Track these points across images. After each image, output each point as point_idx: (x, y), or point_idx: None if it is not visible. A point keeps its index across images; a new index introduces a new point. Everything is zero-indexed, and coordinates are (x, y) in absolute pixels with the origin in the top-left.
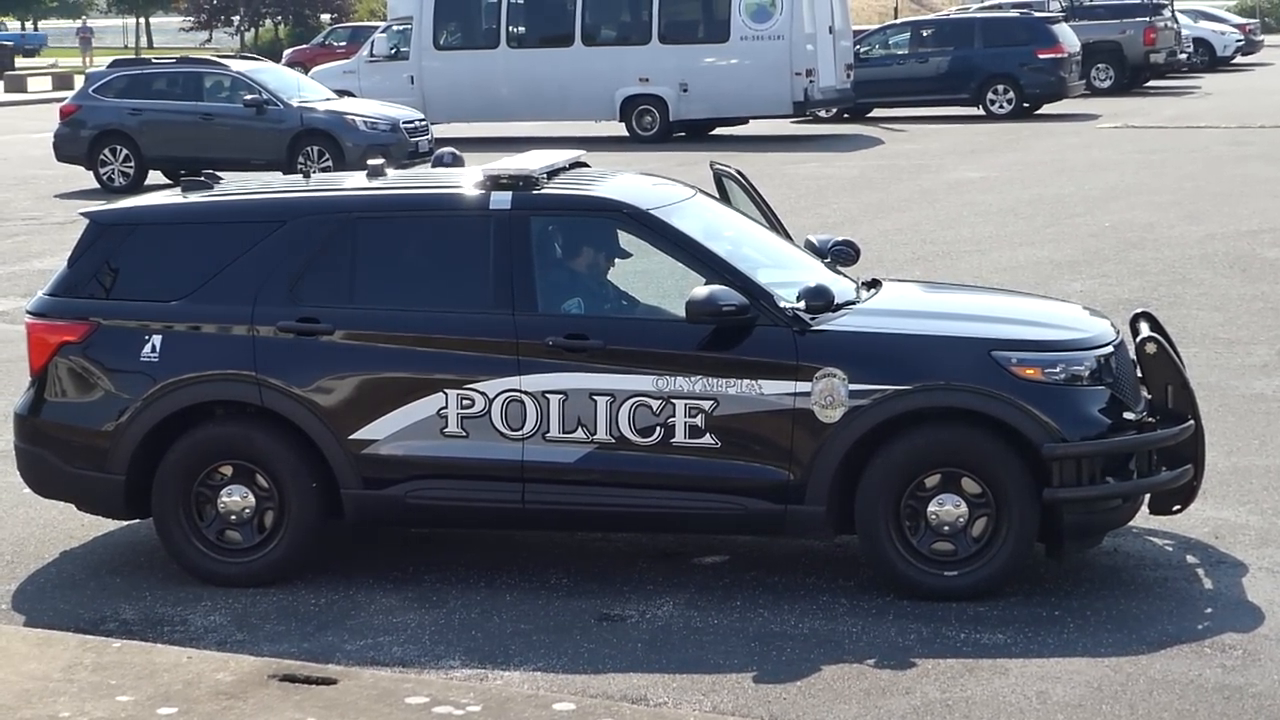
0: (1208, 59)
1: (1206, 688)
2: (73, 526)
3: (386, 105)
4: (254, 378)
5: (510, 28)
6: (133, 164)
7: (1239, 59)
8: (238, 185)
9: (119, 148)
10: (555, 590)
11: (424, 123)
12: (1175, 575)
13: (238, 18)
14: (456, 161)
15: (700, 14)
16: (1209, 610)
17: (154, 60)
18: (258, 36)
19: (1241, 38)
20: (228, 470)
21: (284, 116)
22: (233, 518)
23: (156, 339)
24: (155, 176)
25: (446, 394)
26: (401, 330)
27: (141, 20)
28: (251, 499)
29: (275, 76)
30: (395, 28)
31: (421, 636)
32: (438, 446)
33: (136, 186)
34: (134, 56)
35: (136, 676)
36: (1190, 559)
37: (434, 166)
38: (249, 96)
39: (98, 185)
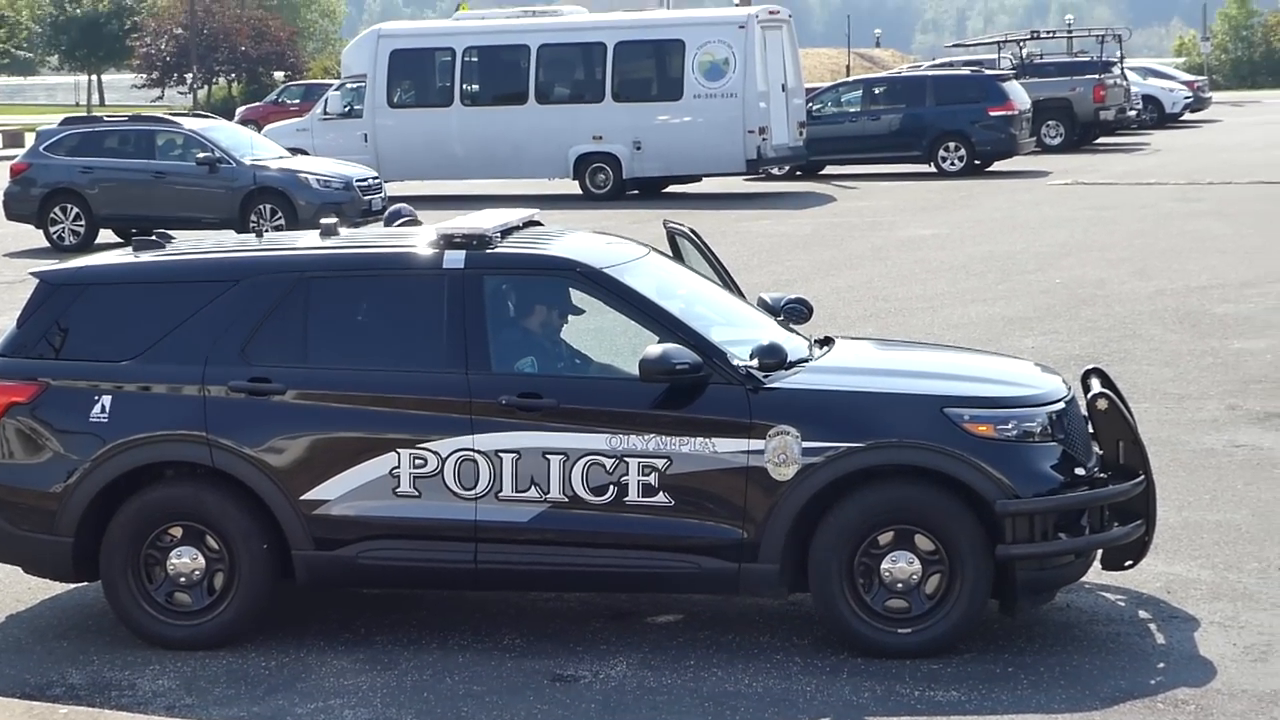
0: (1157, 116)
1: None
2: (19, 590)
3: (340, 163)
4: (205, 438)
5: (464, 86)
6: (83, 223)
7: (1188, 116)
8: (190, 244)
9: (70, 206)
10: (508, 651)
11: (378, 181)
12: (1128, 630)
13: (190, 75)
14: (412, 218)
15: (654, 72)
16: (1161, 665)
17: (105, 118)
18: (210, 94)
19: (1190, 95)
20: (177, 532)
21: (237, 175)
22: (182, 580)
23: (106, 399)
24: (106, 235)
25: (399, 453)
26: (354, 390)
27: (93, 77)
28: (201, 561)
29: (228, 134)
30: (349, 85)
31: (373, 699)
32: (390, 507)
33: (87, 245)
34: (85, 114)
35: None
36: (1143, 614)
37: (388, 221)
38: (201, 154)
39: (48, 244)
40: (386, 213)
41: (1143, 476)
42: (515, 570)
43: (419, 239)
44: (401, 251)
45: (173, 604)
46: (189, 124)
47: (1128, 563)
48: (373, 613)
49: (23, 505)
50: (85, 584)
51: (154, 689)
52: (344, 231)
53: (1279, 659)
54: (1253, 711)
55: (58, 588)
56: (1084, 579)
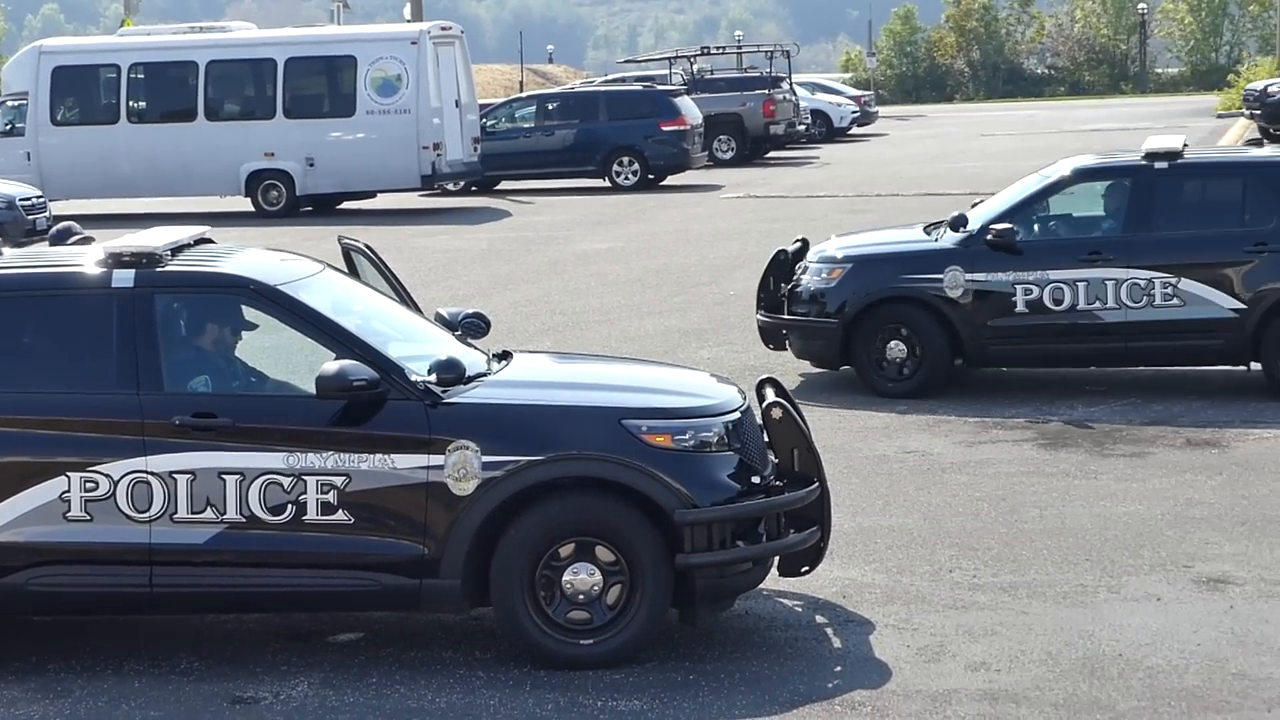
0: (825, 130)
1: None
2: None
3: (2, 182)
4: None
5: (131, 103)
6: None
7: (855, 130)
8: None
9: None
10: (186, 675)
11: (42, 200)
12: (805, 635)
13: None
14: (82, 237)
15: (326, 88)
16: (838, 669)
17: None
18: None
19: (857, 109)
20: None
21: None
22: None
23: None
24: None
25: (69, 477)
26: (20, 413)
27: None
28: None
29: None
30: (10, 103)
31: None
32: (60, 531)
33: None
34: None
35: None
36: (819, 619)
37: (55, 239)
38: None
39: None
40: (53, 231)
41: (817, 484)
42: (192, 593)
43: (86, 258)
44: (68, 271)
45: None
46: None
47: (804, 569)
48: (44, 640)
49: None
50: None
51: None
52: (7, 251)
53: (951, 659)
54: (926, 711)
55: None
56: (762, 586)
